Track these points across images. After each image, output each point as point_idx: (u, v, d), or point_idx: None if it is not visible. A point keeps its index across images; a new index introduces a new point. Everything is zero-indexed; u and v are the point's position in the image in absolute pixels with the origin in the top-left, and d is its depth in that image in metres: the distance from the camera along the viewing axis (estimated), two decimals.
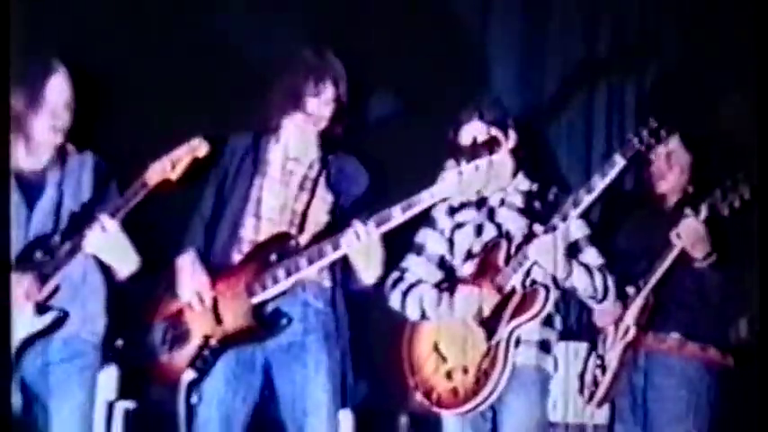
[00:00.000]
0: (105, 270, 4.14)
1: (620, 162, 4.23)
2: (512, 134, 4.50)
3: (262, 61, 4.77)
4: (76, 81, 4.16)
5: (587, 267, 4.35)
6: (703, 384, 4.49)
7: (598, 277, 4.35)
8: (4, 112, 3.93)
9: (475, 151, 4.18)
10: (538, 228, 4.25)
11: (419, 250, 4.54)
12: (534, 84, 5.45)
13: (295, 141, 4.35)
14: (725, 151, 4.42)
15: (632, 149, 4.25)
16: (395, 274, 4.50)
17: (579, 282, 4.32)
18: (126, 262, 4.09)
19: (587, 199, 4.24)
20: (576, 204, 4.24)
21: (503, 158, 4.08)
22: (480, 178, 4.02)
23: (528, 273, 4.30)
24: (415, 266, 4.52)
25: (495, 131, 4.43)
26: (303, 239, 4.18)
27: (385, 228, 4.07)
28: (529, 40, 5.46)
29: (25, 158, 4.12)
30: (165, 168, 4.01)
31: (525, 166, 4.55)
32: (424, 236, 4.54)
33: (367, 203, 4.27)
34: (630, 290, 4.47)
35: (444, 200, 4.23)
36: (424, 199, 4.07)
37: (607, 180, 4.23)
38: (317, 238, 4.17)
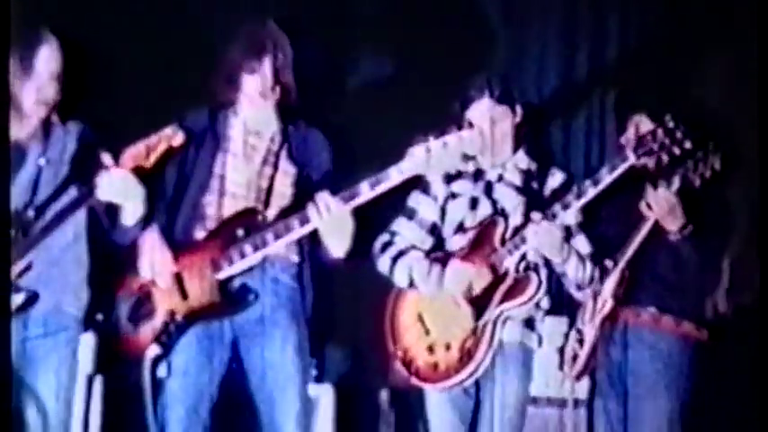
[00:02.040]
0: (95, 232, 4.17)
1: (631, 158, 4.24)
2: (518, 110, 4.50)
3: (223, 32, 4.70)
4: (67, 53, 4.16)
5: (580, 256, 4.36)
6: (679, 358, 4.51)
7: (589, 266, 4.38)
8: (4, 111, 3.95)
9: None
10: (537, 215, 4.25)
11: (410, 214, 4.53)
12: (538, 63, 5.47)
13: (252, 115, 4.32)
14: (695, 122, 4.39)
15: (645, 146, 4.25)
16: (384, 237, 4.50)
17: (572, 269, 4.35)
18: (136, 206, 4.07)
19: (592, 191, 4.25)
20: (581, 195, 4.25)
21: (473, 134, 4.07)
22: (450, 155, 4.01)
23: (523, 257, 4.31)
24: (405, 231, 4.52)
25: (503, 108, 4.43)
26: (269, 214, 4.18)
27: (353, 203, 4.06)
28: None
29: (14, 129, 4.08)
30: (140, 155, 4.00)
31: (527, 144, 4.55)
32: (417, 200, 4.52)
33: (331, 176, 4.27)
34: (608, 262, 4.46)
35: (414, 177, 4.19)
36: (392, 175, 4.06)
37: (615, 175, 4.24)
38: (284, 212, 4.17)
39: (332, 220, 4.05)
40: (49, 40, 4.13)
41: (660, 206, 4.35)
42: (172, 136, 4.00)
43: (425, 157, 4.00)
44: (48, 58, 4.12)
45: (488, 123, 4.39)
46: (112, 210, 4.09)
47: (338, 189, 4.08)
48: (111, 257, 4.26)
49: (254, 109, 4.31)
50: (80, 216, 4.14)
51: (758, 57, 4.38)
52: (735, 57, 5.01)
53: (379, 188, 4.06)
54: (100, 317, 4.20)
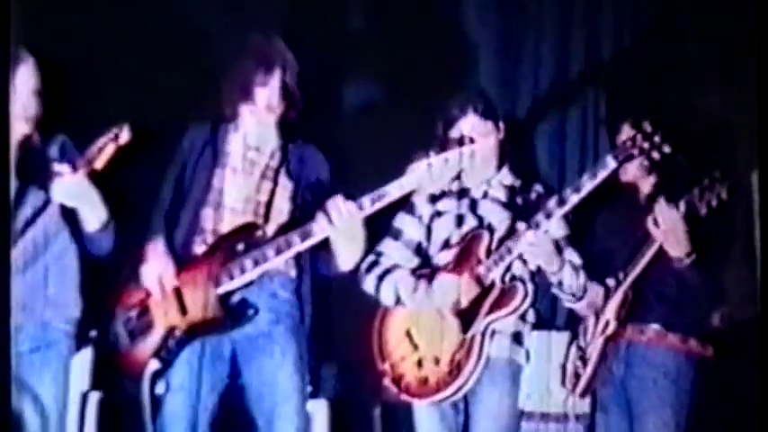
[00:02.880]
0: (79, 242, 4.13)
1: (611, 164, 4.24)
2: (501, 126, 4.49)
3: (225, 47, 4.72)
4: (44, 69, 4.14)
5: (573, 265, 4.35)
6: (683, 375, 4.48)
7: (582, 275, 4.37)
8: (3, 113, 3.91)
9: (451, 143, 4.20)
10: (521, 225, 4.24)
11: (396, 235, 4.52)
12: (517, 79, 5.43)
13: (253, 130, 4.32)
14: (702, 149, 4.39)
15: (625, 152, 4.25)
16: (370, 258, 4.48)
17: (567, 278, 4.34)
18: (94, 210, 4.06)
19: (574, 198, 4.23)
20: (562, 203, 4.23)
21: (475, 151, 4.07)
22: (451, 171, 4.02)
23: (509, 267, 4.29)
24: (391, 251, 4.51)
25: (487, 124, 4.43)
26: (269, 229, 4.17)
27: (364, 213, 4.08)
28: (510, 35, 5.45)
29: None
30: (91, 158, 3.97)
31: (510, 160, 4.55)
32: (402, 221, 4.52)
33: (329, 192, 4.23)
34: (611, 282, 4.46)
35: (413, 192, 4.22)
36: (393, 190, 4.07)
37: (596, 181, 4.22)
38: (284, 228, 4.16)
39: (345, 227, 4.06)
40: (25, 58, 4.10)
41: (665, 222, 4.31)
42: (119, 135, 3.96)
43: (427, 173, 4.01)
44: (27, 76, 4.08)
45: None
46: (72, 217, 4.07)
47: None
48: (103, 270, 4.24)
49: (255, 124, 4.31)
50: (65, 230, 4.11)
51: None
52: (728, 68, 5.02)
53: (379, 203, 4.07)
54: (94, 333, 4.17)
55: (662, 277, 4.46)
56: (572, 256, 4.41)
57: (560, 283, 4.37)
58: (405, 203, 4.43)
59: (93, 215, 4.07)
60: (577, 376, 4.51)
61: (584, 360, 4.49)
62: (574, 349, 4.55)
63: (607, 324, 4.45)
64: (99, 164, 3.95)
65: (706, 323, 4.58)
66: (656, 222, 4.35)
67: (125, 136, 3.95)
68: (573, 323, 4.64)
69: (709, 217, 4.37)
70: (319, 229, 4.07)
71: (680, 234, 4.32)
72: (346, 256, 4.19)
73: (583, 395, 4.54)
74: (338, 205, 4.04)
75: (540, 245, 4.23)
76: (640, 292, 4.46)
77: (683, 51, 5.15)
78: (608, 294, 4.45)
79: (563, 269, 4.32)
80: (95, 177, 3.98)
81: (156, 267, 4.10)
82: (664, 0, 5.27)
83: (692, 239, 4.33)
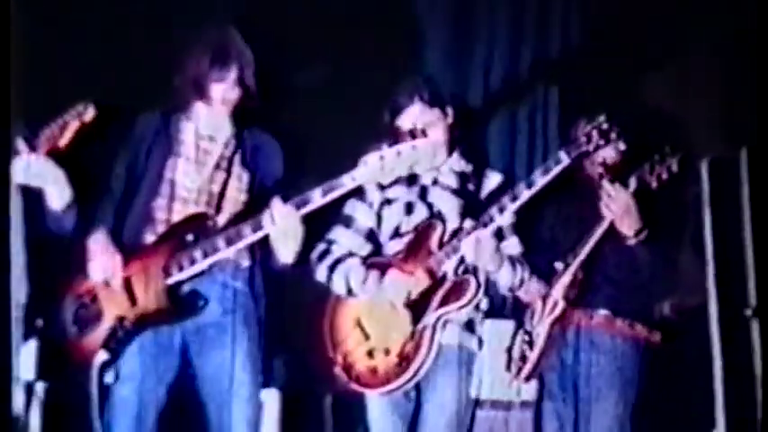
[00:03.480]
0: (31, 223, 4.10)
1: (564, 160, 4.23)
2: (449, 111, 4.47)
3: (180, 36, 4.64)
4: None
5: (512, 261, 4.35)
6: (631, 360, 4.49)
7: (519, 269, 4.37)
8: (4, 115, 3.86)
9: (404, 136, 4.17)
10: (469, 223, 4.23)
11: (347, 222, 4.50)
12: (468, 64, 5.45)
13: (206, 119, 4.29)
14: (652, 125, 4.40)
15: (578, 148, 4.25)
16: (321, 246, 4.47)
17: (504, 277, 4.34)
18: (59, 188, 4.03)
19: (527, 194, 4.23)
20: (515, 198, 4.23)
21: (427, 144, 4.04)
22: (403, 163, 3.99)
23: (462, 260, 4.27)
24: (342, 239, 4.49)
25: (434, 112, 4.41)
26: (221, 219, 4.14)
27: (304, 210, 4.04)
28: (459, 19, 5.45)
29: None
30: (54, 135, 3.95)
31: (461, 146, 4.53)
32: (353, 207, 4.50)
33: (284, 182, 4.24)
34: (558, 265, 4.46)
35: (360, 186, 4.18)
36: (345, 183, 4.04)
37: (548, 177, 4.22)
38: (236, 218, 4.14)
39: (283, 227, 4.02)
40: None
41: (618, 205, 4.32)
42: (83, 112, 3.96)
43: (379, 165, 3.99)
44: None
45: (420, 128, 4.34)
46: (35, 195, 4.03)
47: (290, 195, 4.05)
48: (51, 255, 4.22)
49: (208, 113, 4.27)
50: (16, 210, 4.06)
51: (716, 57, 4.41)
52: (685, 57, 5.05)
53: (331, 195, 4.05)
54: (40, 323, 4.11)
55: (611, 261, 4.48)
56: (512, 245, 4.41)
57: (496, 282, 4.37)
58: (355, 190, 4.39)
59: (58, 194, 4.04)
60: (524, 359, 4.49)
61: (530, 343, 4.48)
62: (520, 334, 4.53)
63: (555, 305, 4.44)
64: (63, 142, 3.94)
65: (655, 309, 4.60)
66: (608, 207, 4.34)
67: (89, 114, 3.95)
68: (517, 309, 4.63)
69: (662, 198, 4.38)
70: (264, 225, 4.04)
71: (631, 211, 4.33)
72: (284, 252, 4.13)
73: (528, 379, 4.54)
74: (277, 207, 4.01)
75: (482, 248, 4.22)
76: (589, 276, 4.46)
77: (634, 43, 5.16)
78: (554, 277, 4.45)
79: (501, 268, 4.31)
80: (58, 156, 3.96)
81: (102, 262, 4.05)
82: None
83: (644, 220, 4.35)
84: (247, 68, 4.23)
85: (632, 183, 4.33)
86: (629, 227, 4.35)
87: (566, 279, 4.44)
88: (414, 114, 4.38)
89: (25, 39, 4.11)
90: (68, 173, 4.05)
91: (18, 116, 3.98)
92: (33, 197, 4.09)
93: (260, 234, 4.04)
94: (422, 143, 4.02)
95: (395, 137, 4.15)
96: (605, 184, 4.36)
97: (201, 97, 4.24)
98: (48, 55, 4.61)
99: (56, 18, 4.77)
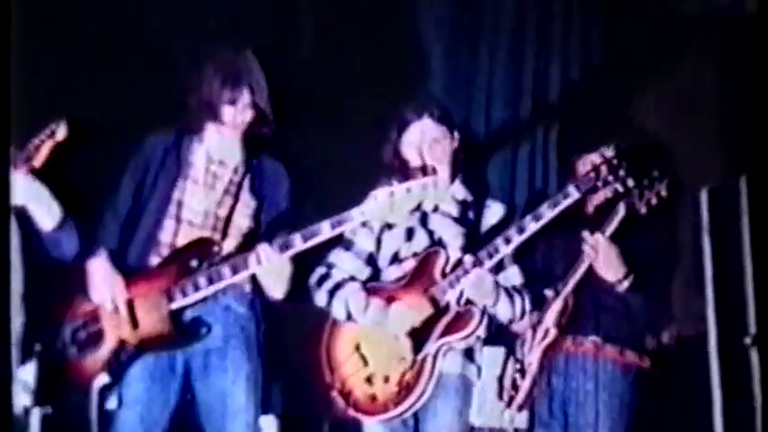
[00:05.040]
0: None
1: (573, 194, 4.24)
2: (456, 134, 4.47)
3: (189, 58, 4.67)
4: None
5: (510, 294, 4.34)
6: (621, 387, 4.47)
7: (518, 301, 4.36)
8: (4, 115, 3.85)
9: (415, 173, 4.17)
10: (469, 258, 4.22)
11: (347, 245, 4.47)
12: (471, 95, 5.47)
13: (218, 144, 4.29)
14: (642, 151, 4.42)
15: (588, 183, 4.26)
16: (321, 270, 4.44)
17: (502, 311, 4.33)
18: (45, 207, 4.03)
19: (534, 226, 4.23)
20: (522, 231, 4.23)
21: (436, 181, 4.06)
22: (412, 200, 4.01)
23: (464, 291, 4.26)
24: (342, 262, 4.46)
25: (441, 129, 4.40)
26: (227, 245, 4.15)
27: (312, 242, 4.06)
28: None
29: None
30: (30, 155, 3.95)
31: (463, 174, 4.52)
32: (353, 231, 4.45)
33: (291, 212, 4.26)
34: (549, 292, 4.44)
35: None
36: (353, 217, 4.05)
37: (557, 211, 4.23)
38: (242, 246, 4.14)
39: (270, 268, 4.05)
40: None
41: (599, 256, 4.31)
42: (55, 131, 3.96)
43: (389, 202, 4.01)
44: None
45: (428, 144, 4.35)
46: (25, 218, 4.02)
47: (297, 225, 4.08)
48: (50, 278, 4.18)
49: (219, 137, 4.28)
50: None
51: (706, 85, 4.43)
52: (683, 90, 5.07)
53: (339, 229, 4.08)
54: (38, 347, 4.06)
55: (602, 288, 4.45)
56: (513, 275, 4.41)
57: (495, 315, 4.36)
58: None
59: (46, 213, 4.03)
60: (516, 388, 4.46)
61: (522, 372, 4.46)
62: (511, 362, 4.50)
63: (546, 333, 4.41)
64: (37, 162, 3.93)
65: (646, 336, 4.59)
66: (589, 254, 4.34)
67: (62, 132, 3.94)
68: (508, 337, 4.58)
69: (653, 234, 4.40)
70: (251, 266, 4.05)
71: (613, 261, 4.32)
72: (273, 290, 4.17)
73: (520, 408, 4.50)
74: (263, 250, 4.02)
75: (480, 284, 4.22)
76: (580, 303, 4.44)
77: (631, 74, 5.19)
78: (545, 305, 4.42)
79: (497, 303, 4.31)
80: (41, 176, 3.96)
81: (105, 286, 4.05)
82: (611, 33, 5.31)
83: (634, 259, 4.33)
84: (261, 92, 4.24)
85: (621, 210, 4.33)
86: (613, 275, 4.34)
87: (556, 307, 4.41)
88: (421, 129, 4.38)
89: (27, 56, 4.13)
90: (63, 192, 4.05)
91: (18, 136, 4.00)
92: (30, 220, 4.08)
93: (246, 273, 4.06)
94: (432, 180, 4.04)
95: (401, 165, 4.17)
96: (586, 235, 4.34)
97: (214, 119, 4.24)
98: (49, 74, 4.61)
99: (59, 34, 4.77)
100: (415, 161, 4.32)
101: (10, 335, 3.79)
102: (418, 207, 4.30)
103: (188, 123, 4.29)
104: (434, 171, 4.15)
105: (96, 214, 4.21)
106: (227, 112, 4.23)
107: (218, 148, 4.28)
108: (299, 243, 4.04)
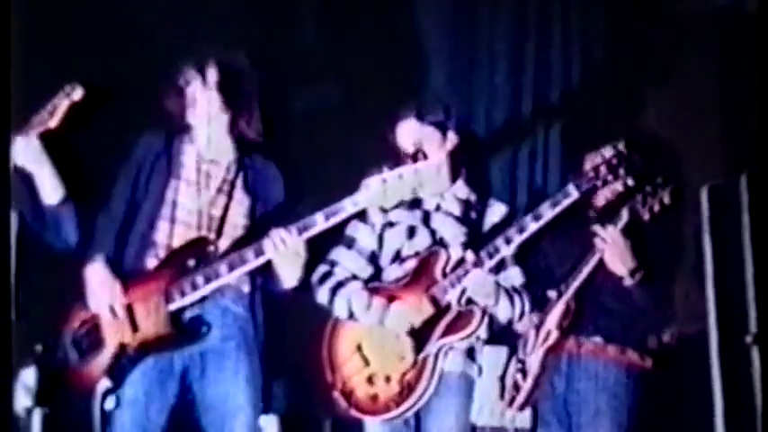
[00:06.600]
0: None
1: (573, 194, 4.25)
2: (452, 136, 4.46)
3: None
4: None
5: (510, 295, 4.35)
6: (623, 387, 4.47)
7: (518, 302, 4.37)
8: (4, 113, 3.84)
9: (404, 157, 4.17)
10: (471, 256, 4.22)
11: (349, 243, 4.48)
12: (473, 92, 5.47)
13: (209, 142, 4.27)
14: (642, 150, 4.42)
15: (589, 183, 4.27)
16: (323, 268, 4.46)
17: (502, 311, 4.34)
18: (51, 179, 4.07)
19: (534, 226, 4.23)
20: (522, 230, 4.23)
21: (429, 166, 4.04)
22: (405, 187, 3.98)
23: (465, 290, 4.26)
24: (344, 260, 4.47)
25: (431, 131, 4.40)
26: (221, 244, 4.13)
27: (307, 235, 4.03)
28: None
29: None
30: (44, 118, 3.98)
31: (466, 173, 4.52)
32: (355, 229, 4.48)
33: (285, 207, 4.23)
34: (552, 294, 4.44)
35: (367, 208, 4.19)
36: (347, 207, 4.03)
37: (557, 210, 4.23)
38: (237, 243, 4.12)
39: (286, 252, 4.01)
40: None
41: (610, 248, 4.32)
42: (71, 92, 4.00)
43: (381, 188, 3.98)
44: None
45: (414, 144, 4.36)
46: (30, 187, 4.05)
47: (291, 221, 4.05)
48: (52, 281, 4.22)
49: (210, 135, 4.26)
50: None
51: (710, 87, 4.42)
52: (683, 89, 5.06)
53: (333, 219, 4.04)
54: (39, 348, 4.07)
55: (604, 289, 4.46)
56: (514, 275, 4.42)
57: (495, 315, 4.37)
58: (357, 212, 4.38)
59: (51, 185, 4.06)
60: (517, 389, 4.47)
61: (523, 372, 4.46)
62: (513, 362, 4.51)
63: (548, 335, 4.42)
64: (54, 122, 3.98)
65: (647, 336, 4.59)
66: (600, 247, 4.34)
67: (78, 93, 3.99)
68: (511, 337, 4.60)
69: (656, 230, 4.37)
70: (266, 251, 4.03)
71: (624, 253, 4.32)
72: (288, 277, 4.13)
73: (522, 408, 4.52)
74: (279, 234, 4.00)
75: (482, 284, 4.23)
76: (582, 304, 4.45)
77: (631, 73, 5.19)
78: (548, 306, 4.43)
79: (498, 303, 4.31)
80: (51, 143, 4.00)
81: (103, 292, 4.04)
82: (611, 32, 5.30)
83: (638, 257, 4.34)
84: (251, 95, 4.27)
85: (624, 215, 4.34)
86: (622, 267, 4.34)
87: (559, 308, 4.42)
88: (408, 130, 4.38)
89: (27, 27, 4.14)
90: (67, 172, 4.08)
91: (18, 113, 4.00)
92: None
93: (262, 259, 4.03)
94: (424, 166, 4.02)
95: (396, 158, 4.15)
96: (597, 227, 4.35)
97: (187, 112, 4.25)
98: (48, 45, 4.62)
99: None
100: (407, 149, 4.33)
101: (10, 335, 3.77)
102: (417, 201, 4.33)
103: (174, 121, 4.29)
104: (425, 156, 4.14)
105: (94, 207, 4.21)
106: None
107: (210, 147, 4.27)
108: (294, 235, 4.02)
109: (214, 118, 4.24)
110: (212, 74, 4.21)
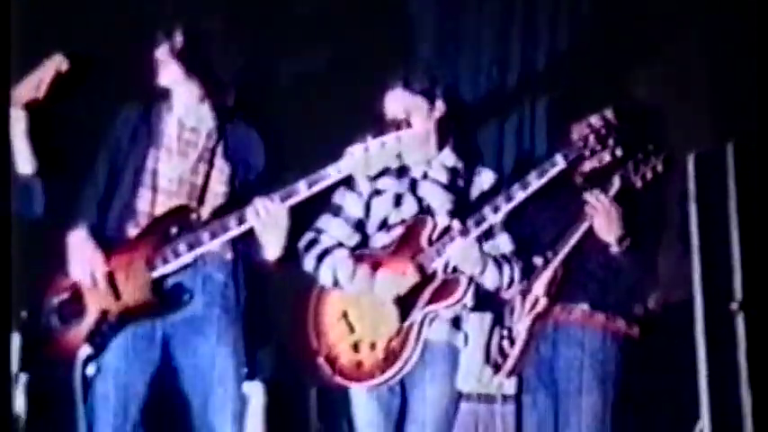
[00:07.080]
0: None
1: (560, 163, 4.23)
2: (439, 104, 4.45)
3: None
4: None
5: (498, 262, 4.34)
6: (609, 355, 4.46)
7: (506, 270, 4.36)
8: (3, 112, 3.87)
9: (388, 126, 4.16)
10: (457, 225, 4.22)
11: (336, 211, 4.48)
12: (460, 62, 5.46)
13: (188, 110, 4.26)
14: (630, 119, 4.41)
15: (575, 152, 4.25)
16: (309, 235, 4.45)
17: (489, 279, 4.33)
18: (29, 152, 4.07)
19: (521, 194, 4.22)
20: (510, 199, 4.22)
21: (412, 134, 4.04)
22: (388, 154, 3.98)
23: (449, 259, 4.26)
24: (331, 228, 4.47)
25: (419, 100, 4.39)
26: (203, 212, 4.12)
27: (290, 202, 4.02)
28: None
29: None
30: (31, 88, 3.97)
31: (453, 141, 4.50)
32: (342, 196, 4.48)
33: (266, 175, 4.23)
34: (538, 261, 4.44)
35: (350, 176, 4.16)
36: (329, 174, 4.02)
37: (544, 180, 4.22)
38: (219, 211, 4.12)
39: (269, 220, 4.00)
40: None
41: (599, 214, 4.31)
42: (58, 63, 3.99)
43: (364, 156, 3.97)
44: None
45: (401, 113, 4.35)
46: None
47: (275, 189, 4.04)
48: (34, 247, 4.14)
49: (189, 104, 4.25)
50: None
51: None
52: (670, 57, 5.05)
53: (316, 187, 4.03)
54: (24, 314, 4.08)
55: (591, 256, 4.45)
56: (503, 243, 4.41)
57: (482, 284, 4.36)
58: (344, 179, 4.35)
59: (26, 155, 4.06)
60: (503, 356, 4.47)
61: (511, 339, 4.46)
62: (498, 330, 4.50)
63: (536, 301, 4.42)
64: (40, 93, 3.99)
65: (634, 303, 4.58)
66: (589, 213, 4.33)
67: (65, 64, 3.99)
68: (496, 304, 4.58)
69: (642, 201, 4.37)
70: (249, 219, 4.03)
71: (613, 220, 4.31)
72: (270, 245, 4.12)
73: (510, 375, 4.52)
74: (261, 201, 4.00)
75: (466, 253, 4.22)
76: (569, 271, 4.44)
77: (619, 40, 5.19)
78: (534, 273, 4.43)
79: (485, 272, 4.31)
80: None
81: (84, 260, 4.04)
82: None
83: (625, 225, 4.33)
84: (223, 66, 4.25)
85: (616, 182, 4.32)
86: (610, 234, 4.33)
87: (546, 275, 4.41)
88: (395, 98, 4.38)
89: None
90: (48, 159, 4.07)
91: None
92: None
93: (244, 227, 4.02)
94: (406, 134, 4.02)
95: (382, 127, 4.14)
96: (588, 195, 4.34)
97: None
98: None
99: None
100: (394, 117, 4.33)
101: (10, 335, 3.81)
102: (404, 169, 4.33)
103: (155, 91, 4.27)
104: (409, 124, 4.15)
105: (76, 176, 4.21)
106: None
107: (189, 114, 4.25)
108: (277, 203, 4.02)
109: (182, 84, 4.22)
110: (178, 40, 4.19)
